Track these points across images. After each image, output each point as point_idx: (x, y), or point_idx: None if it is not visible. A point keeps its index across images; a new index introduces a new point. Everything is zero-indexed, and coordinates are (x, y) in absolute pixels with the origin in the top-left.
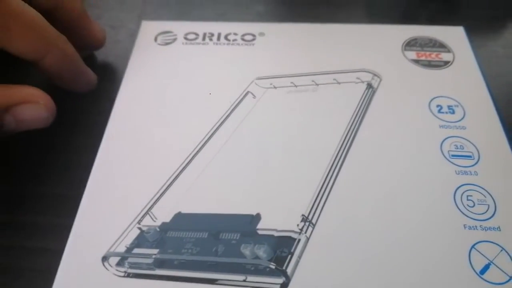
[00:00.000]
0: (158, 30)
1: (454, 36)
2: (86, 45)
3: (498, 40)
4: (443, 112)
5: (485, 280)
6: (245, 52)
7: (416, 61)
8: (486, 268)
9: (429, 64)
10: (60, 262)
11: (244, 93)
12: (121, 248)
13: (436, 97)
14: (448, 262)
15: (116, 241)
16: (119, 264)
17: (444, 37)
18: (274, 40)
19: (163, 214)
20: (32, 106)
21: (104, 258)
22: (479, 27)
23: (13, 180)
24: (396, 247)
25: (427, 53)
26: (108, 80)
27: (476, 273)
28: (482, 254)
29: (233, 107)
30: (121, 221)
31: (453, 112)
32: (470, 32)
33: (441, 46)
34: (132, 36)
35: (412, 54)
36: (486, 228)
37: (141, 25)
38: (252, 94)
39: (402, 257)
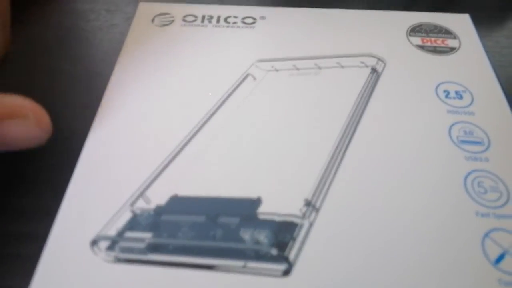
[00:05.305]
0: (156, 11)
1: (460, 23)
2: None
3: (503, 30)
4: (450, 98)
5: (501, 270)
6: (246, 35)
7: (421, 47)
8: (501, 257)
9: (435, 50)
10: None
11: (244, 75)
12: (112, 232)
13: (443, 82)
14: (461, 250)
15: (107, 224)
16: (109, 248)
17: (450, 24)
18: (275, 24)
19: (158, 197)
20: (20, 122)
21: (94, 242)
22: (483, 16)
23: None
24: (405, 234)
25: (433, 39)
26: (102, 61)
27: (491, 262)
28: (497, 243)
29: (232, 89)
30: (112, 204)
31: (461, 98)
32: (474, 21)
33: (446, 32)
34: (129, 20)
35: (417, 40)
36: (499, 216)
37: (138, 6)
38: (253, 76)
39: (411, 245)
